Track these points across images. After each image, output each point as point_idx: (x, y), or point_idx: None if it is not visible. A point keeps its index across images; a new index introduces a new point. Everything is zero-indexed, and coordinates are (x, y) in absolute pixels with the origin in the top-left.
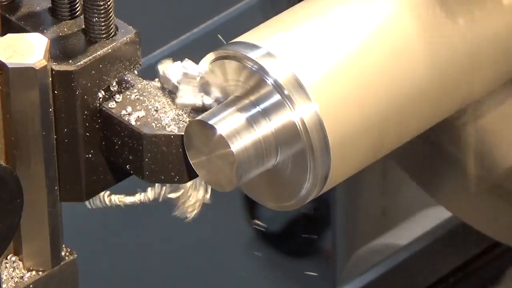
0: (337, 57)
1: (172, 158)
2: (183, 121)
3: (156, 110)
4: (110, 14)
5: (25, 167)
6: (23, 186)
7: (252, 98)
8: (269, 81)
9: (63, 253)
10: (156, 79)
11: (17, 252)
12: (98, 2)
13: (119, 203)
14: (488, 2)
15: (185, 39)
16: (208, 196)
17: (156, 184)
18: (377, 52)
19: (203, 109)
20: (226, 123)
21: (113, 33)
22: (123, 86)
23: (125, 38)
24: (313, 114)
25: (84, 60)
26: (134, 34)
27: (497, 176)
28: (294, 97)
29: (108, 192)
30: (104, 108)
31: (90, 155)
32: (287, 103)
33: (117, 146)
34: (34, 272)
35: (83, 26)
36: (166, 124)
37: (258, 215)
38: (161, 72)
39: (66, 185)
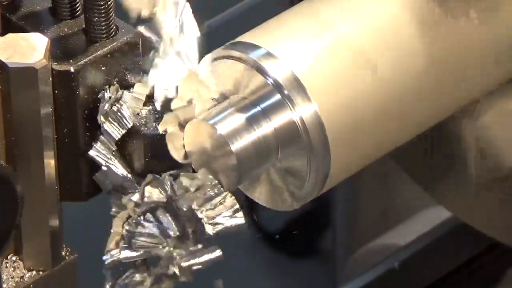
0: (337, 57)
1: (172, 158)
2: None
3: (157, 110)
4: (111, 14)
5: (25, 167)
6: (23, 186)
7: (252, 98)
8: (269, 81)
9: (63, 253)
10: None
11: (17, 252)
12: (99, 2)
13: None
14: (486, 2)
15: None
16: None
17: None
18: (377, 52)
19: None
20: (226, 123)
21: (113, 33)
22: (124, 85)
23: (125, 38)
24: (313, 114)
25: (84, 60)
26: (135, 34)
27: (497, 175)
28: (294, 97)
29: None
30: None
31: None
32: (287, 103)
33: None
34: (34, 272)
35: (84, 26)
36: None
37: (258, 215)
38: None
39: (66, 185)
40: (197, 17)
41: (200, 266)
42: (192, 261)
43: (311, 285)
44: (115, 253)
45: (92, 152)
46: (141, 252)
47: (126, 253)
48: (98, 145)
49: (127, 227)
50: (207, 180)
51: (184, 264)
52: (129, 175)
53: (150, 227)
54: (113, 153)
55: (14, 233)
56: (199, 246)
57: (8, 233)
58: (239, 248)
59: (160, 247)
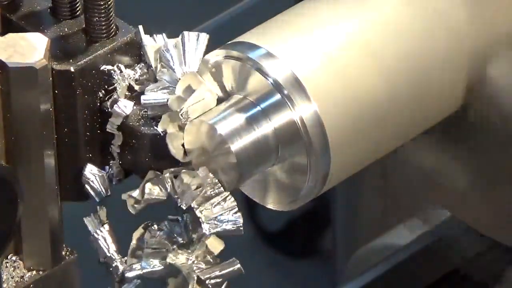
0: (337, 57)
1: (172, 158)
2: None
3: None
4: (111, 14)
5: (25, 167)
6: (23, 186)
7: (252, 98)
8: (269, 81)
9: (63, 253)
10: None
11: (17, 252)
12: (99, 2)
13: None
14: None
15: None
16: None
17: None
18: (377, 52)
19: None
20: (226, 123)
21: (113, 33)
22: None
23: (125, 38)
24: (313, 113)
25: (84, 60)
26: (135, 34)
27: (493, 176)
28: (294, 97)
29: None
30: (104, 108)
31: (90, 155)
32: (287, 103)
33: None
34: (34, 272)
35: (84, 26)
36: None
37: (258, 215)
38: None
39: (66, 185)
40: (198, 17)
41: (219, 279)
42: (211, 274)
43: (311, 285)
44: (136, 267)
45: (85, 219)
46: (161, 267)
47: (146, 267)
48: (91, 216)
49: (145, 237)
50: (208, 178)
51: (203, 277)
52: (111, 252)
53: (161, 235)
54: (104, 224)
55: (15, 233)
56: (218, 260)
57: (8, 233)
58: (239, 248)
59: (165, 250)
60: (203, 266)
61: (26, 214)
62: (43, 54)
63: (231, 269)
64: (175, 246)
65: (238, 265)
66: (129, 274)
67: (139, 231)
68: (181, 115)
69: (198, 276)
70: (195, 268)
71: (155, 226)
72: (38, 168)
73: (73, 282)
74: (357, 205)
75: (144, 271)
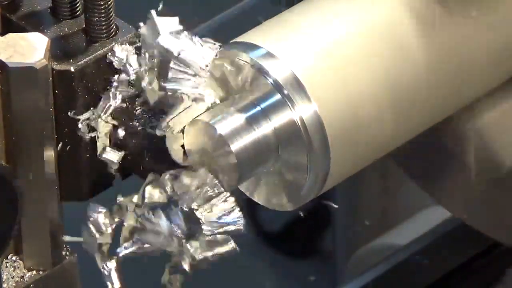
0: (337, 57)
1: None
2: None
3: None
4: (111, 14)
5: (25, 167)
6: (23, 186)
7: (252, 98)
8: (269, 81)
9: (63, 253)
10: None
11: (17, 252)
12: (99, 2)
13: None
14: (487, 2)
15: None
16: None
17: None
18: (377, 53)
19: None
20: (226, 123)
21: (113, 33)
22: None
23: (125, 38)
24: (313, 113)
25: (84, 60)
26: (134, 34)
27: (496, 175)
28: (294, 96)
29: None
30: None
31: (90, 155)
32: (287, 102)
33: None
34: (34, 272)
35: (84, 26)
36: None
37: (258, 215)
38: None
39: (66, 185)
40: (198, 17)
41: (214, 259)
42: (206, 254)
43: (311, 285)
44: (128, 245)
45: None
46: (153, 248)
47: (139, 246)
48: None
49: (139, 221)
50: (208, 179)
51: (198, 256)
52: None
53: (159, 225)
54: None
55: (15, 233)
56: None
57: (8, 233)
58: (239, 248)
59: (166, 244)
60: (197, 245)
61: (26, 214)
62: (43, 54)
63: (226, 248)
64: (174, 240)
65: (233, 244)
66: (123, 252)
67: (132, 212)
68: (164, 129)
69: (193, 256)
70: (188, 247)
71: (151, 213)
72: (38, 168)
73: (73, 282)
74: (357, 205)
75: (136, 246)
